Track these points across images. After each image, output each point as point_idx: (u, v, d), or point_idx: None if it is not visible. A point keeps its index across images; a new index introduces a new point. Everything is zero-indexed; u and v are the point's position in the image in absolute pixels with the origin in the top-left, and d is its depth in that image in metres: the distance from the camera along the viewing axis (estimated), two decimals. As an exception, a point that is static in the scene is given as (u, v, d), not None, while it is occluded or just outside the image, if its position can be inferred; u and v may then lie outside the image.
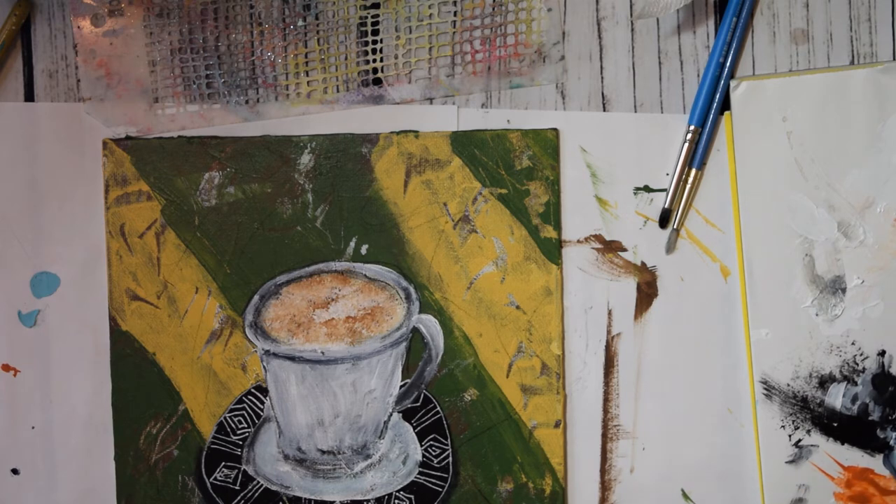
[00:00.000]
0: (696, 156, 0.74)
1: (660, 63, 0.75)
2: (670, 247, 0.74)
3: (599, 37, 0.75)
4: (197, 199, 0.75)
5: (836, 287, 0.72)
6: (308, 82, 0.76)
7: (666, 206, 0.74)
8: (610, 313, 0.75)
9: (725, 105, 0.74)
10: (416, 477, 0.75)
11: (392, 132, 0.75)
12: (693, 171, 0.74)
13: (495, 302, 0.74)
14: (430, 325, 0.75)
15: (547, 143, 0.74)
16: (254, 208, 0.75)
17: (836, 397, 0.73)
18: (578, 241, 0.75)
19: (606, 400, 0.75)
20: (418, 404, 0.75)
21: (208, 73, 0.76)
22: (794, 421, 0.73)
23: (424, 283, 0.75)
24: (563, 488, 0.75)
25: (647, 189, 0.75)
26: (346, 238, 0.75)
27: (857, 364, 0.73)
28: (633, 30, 0.75)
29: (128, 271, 0.75)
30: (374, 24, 0.75)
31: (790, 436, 0.73)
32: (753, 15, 0.74)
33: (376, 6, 0.75)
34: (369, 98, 0.76)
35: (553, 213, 0.74)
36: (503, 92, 0.75)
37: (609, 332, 0.75)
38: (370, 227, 0.75)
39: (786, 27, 0.74)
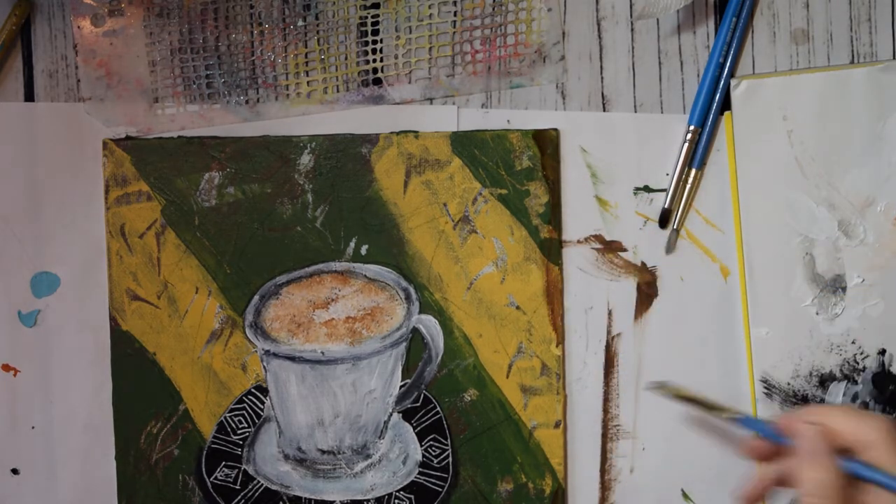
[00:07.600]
0: (696, 156, 0.74)
1: (660, 63, 0.75)
2: (670, 247, 0.74)
3: (599, 37, 0.75)
4: (197, 199, 0.75)
5: (837, 286, 0.72)
6: (308, 82, 0.76)
7: (666, 206, 0.74)
8: (610, 313, 0.75)
9: (725, 105, 0.74)
10: (415, 477, 0.75)
11: (392, 132, 0.75)
12: (693, 171, 0.74)
13: (495, 302, 0.74)
14: (430, 326, 0.75)
15: (547, 143, 0.74)
16: (254, 208, 0.75)
17: (837, 396, 0.73)
18: (578, 242, 0.75)
19: (606, 400, 0.75)
20: (418, 404, 0.75)
21: (208, 73, 0.76)
22: (794, 420, 0.73)
23: (424, 283, 0.75)
24: (564, 488, 0.75)
25: (647, 189, 0.74)
26: (346, 238, 0.75)
27: (858, 363, 0.73)
28: (633, 30, 0.75)
29: (128, 271, 0.75)
30: (374, 24, 0.75)
31: (790, 435, 0.73)
32: (753, 15, 0.74)
33: (376, 6, 0.75)
34: (369, 98, 0.76)
35: (553, 214, 0.74)
36: (503, 92, 0.75)
37: (609, 332, 0.75)
38: (370, 227, 0.75)
39: (786, 27, 0.74)
